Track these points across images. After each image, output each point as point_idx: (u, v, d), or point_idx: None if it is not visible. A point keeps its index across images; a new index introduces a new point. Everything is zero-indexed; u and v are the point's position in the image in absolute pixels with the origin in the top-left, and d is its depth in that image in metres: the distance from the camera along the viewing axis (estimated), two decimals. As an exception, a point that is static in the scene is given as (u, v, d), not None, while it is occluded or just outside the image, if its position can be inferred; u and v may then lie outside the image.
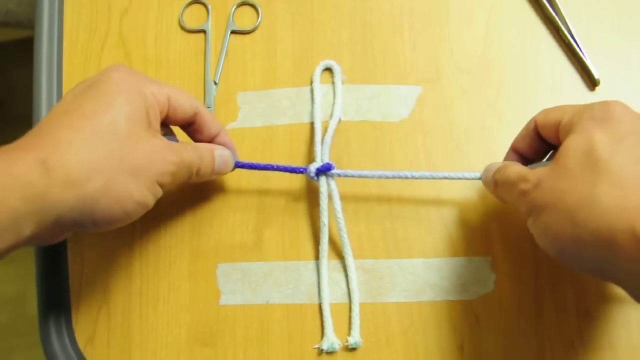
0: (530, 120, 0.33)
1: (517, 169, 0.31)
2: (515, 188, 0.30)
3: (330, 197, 0.38)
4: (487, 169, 0.35)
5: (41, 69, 0.44)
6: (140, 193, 0.30)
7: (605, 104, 0.28)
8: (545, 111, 0.32)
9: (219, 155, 0.36)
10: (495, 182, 0.33)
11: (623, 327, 0.36)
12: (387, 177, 0.37)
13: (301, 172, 0.38)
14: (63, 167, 0.27)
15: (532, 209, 0.28)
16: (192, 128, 0.37)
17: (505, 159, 0.36)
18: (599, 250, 0.25)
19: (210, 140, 0.37)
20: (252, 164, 0.38)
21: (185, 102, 0.34)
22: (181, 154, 0.32)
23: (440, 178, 0.37)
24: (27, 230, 0.26)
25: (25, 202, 0.26)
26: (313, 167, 0.38)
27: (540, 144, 0.33)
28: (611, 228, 0.24)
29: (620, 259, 0.24)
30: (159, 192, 0.32)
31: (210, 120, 0.37)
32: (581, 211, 0.25)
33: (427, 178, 0.37)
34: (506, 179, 0.31)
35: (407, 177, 0.37)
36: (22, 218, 0.26)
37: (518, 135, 0.35)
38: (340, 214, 0.38)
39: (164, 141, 0.32)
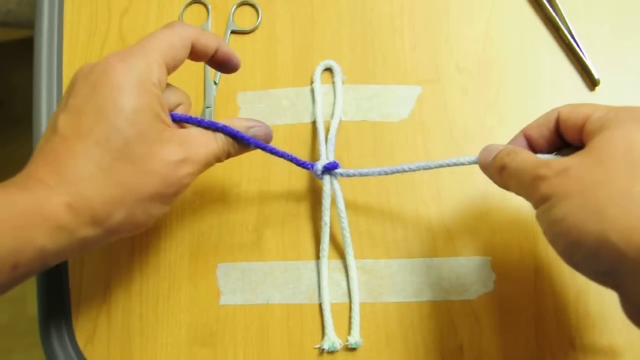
0: (552, 111, 0.32)
1: (531, 154, 0.30)
2: (529, 173, 0.28)
3: (332, 196, 0.38)
4: (486, 150, 0.33)
5: (41, 69, 0.44)
6: (160, 211, 0.31)
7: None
8: (572, 105, 0.31)
9: (253, 135, 0.34)
10: (502, 166, 0.31)
11: (623, 327, 0.36)
12: (386, 173, 0.36)
13: (308, 168, 0.38)
14: (88, 208, 0.27)
15: (550, 196, 0.26)
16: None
17: (512, 143, 0.34)
18: (622, 252, 0.23)
19: (211, 56, 0.35)
20: (267, 146, 0.35)
21: (210, 45, 0.34)
22: (197, 158, 0.31)
23: (436, 167, 0.35)
24: (53, 262, 0.28)
25: (53, 242, 0.26)
26: (320, 165, 0.38)
27: (554, 137, 0.32)
28: None
29: None
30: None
31: (207, 41, 0.34)
32: (613, 208, 0.24)
33: (424, 169, 0.35)
34: (520, 163, 0.29)
35: (404, 171, 0.36)
36: (49, 255, 0.27)
37: (534, 122, 0.33)
38: (343, 213, 0.38)
39: (177, 149, 0.30)
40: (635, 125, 0.26)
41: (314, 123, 0.42)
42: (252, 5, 0.45)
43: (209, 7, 0.46)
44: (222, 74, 0.43)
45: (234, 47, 0.44)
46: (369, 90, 0.43)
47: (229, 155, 0.34)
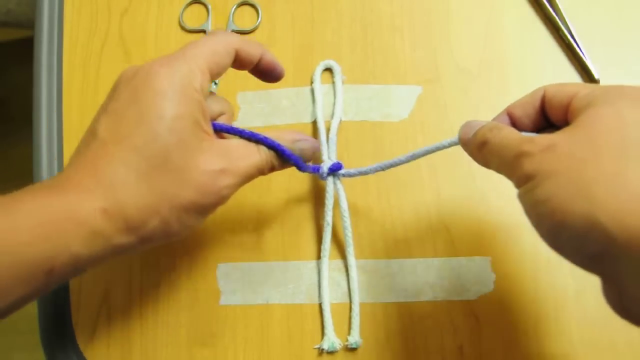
0: (539, 89, 0.30)
1: (515, 130, 0.28)
2: (512, 149, 0.27)
3: (335, 196, 0.38)
4: (467, 126, 0.31)
5: (41, 69, 0.44)
6: (196, 222, 0.30)
7: (637, 87, 0.26)
8: (558, 84, 0.30)
9: (299, 149, 0.33)
10: (484, 142, 0.29)
11: (623, 327, 0.36)
12: (382, 169, 0.35)
13: (315, 172, 0.37)
14: (122, 214, 0.27)
15: (534, 174, 0.25)
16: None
17: (495, 120, 0.32)
18: (612, 236, 0.22)
19: (255, 64, 0.34)
20: (295, 159, 0.33)
21: (253, 52, 0.33)
22: (237, 170, 0.30)
23: (423, 154, 0.34)
24: (86, 268, 0.27)
25: (87, 248, 0.26)
26: (325, 167, 0.37)
27: (539, 117, 0.31)
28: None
29: (636, 251, 0.21)
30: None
31: (251, 49, 0.33)
32: (603, 187, 0.22)
33: (412, 159, 0.34)
34: (502, 139, 0.28)
35: (397, 164, 0.35)
36: (83, 261, 0.26)
37: (518, 100, 0.31)
38: (346, 213, 0.38)
39: (216, 159, 0.30)
40: (626, 103, 0.25)
41: (314, 123, 0.42)
42: (252, 5, 0.45)
43: (209, 7, 0.46)
44: (222, 77, 0.43)
45: (234, 47, 0.45)
46: (369, 90, 0.43)
47: (273, 169, 0.33)
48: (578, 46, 0.42)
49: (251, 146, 0.31)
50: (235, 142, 0.31)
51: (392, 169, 0.36)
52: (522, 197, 0.26)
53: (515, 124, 0.31)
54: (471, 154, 0.31)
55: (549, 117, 0.30)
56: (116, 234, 0.27)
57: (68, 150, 0.42)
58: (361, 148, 0.41)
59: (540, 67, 0.43)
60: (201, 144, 0.29)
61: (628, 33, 0.43)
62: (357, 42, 0.44)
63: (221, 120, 0.33)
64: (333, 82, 0.43)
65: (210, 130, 0.31)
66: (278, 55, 0.44)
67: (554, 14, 0.43)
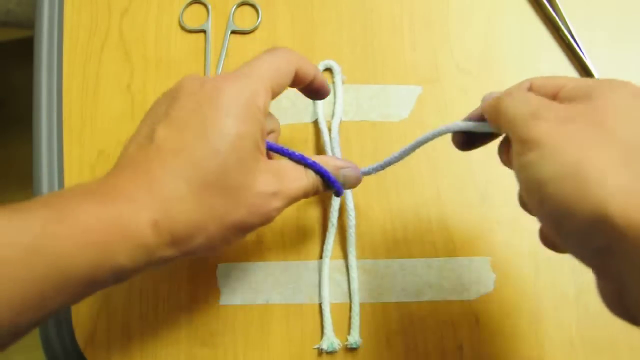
0: (525, 81, 0.29)
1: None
2: (529, 106, 0.25)
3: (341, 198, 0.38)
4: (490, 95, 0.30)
5: (41, 69, 0.44)
6: (238, 239, 0.30)
7: (628, 82, 0.26)
8: (544, 76, 0.29)
9: (343, 176, 0.33)
10: (508, 92, 0.28)
11: (623, 327, 0.36)
12: (382, 168, 0.35)
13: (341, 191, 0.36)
14: (171, 228, 0.26)
15: (544, 142, 0.23)
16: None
17: (475, 111, 0.32)
18: (621, 230, 0.20)
19: (308, 83, 0.34)
20: (326, 172, 0.33)
21: (310, 72, 0.33)
22: (287, 193, 0.30)
23: (425, 141, 0.33)
24: (126, 278, 0.26)
25: (131, 260, 0.25)
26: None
27: None
28: None
29: None
30: None
31: (308, 69, 0.33)
32: (615, 177, 0.21)
33: (416, 147, 0.33)
34: (524, 94, 0.27)
35: (402, 156, 0.34)
36: (124, 272, 0.26)
37: (504, 91, 0.29)
38: (353, 213, 0.38)
39: (271, 180, 0.29)
40: (627, 94, 0.25)
41: (314, 123, 0.42)
42: (252, 5, 0.45)
43: (209, 7, 0.46)
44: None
45: (234, 47, 0.45)
46: (369, 90, 0.43)
47: (316, 193, 0.32)
48: (578, 46, 0.42)
49: (300, 169, 0.31)
50: (285, 163, 0.31)
51: (392, 168, 0.36)
52: (525, 168, 0.24)
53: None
54: (487, 107, 0.29)
55: None
56: (161, 247, 0.26)
57: (68, 150, 0.42)
58: (361, 148, 0.41)
59: (540, 67, 0.43)
60: (257, 165, 0.29)
61: (628, 33, 0.43)
62: (357, 42, 0.44)
63: (271, 138, 0.33)
64: (333, 82, 0.43)
65: (265, 149, 0.30)
66: (278, 55, 0.44)
67: (554, 14, 0.43)
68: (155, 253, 0.26)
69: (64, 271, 0.23)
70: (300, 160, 0.31)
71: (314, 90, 0.34)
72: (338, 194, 0.34)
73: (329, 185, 0.32)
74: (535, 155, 0.23)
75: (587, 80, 0.26)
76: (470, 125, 0.31)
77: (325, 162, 0.32)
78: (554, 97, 0.27)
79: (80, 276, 0.24)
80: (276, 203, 0.29)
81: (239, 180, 0.28)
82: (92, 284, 0.25)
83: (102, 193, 0.26)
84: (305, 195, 0.31)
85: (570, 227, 0.22)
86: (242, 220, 0.28)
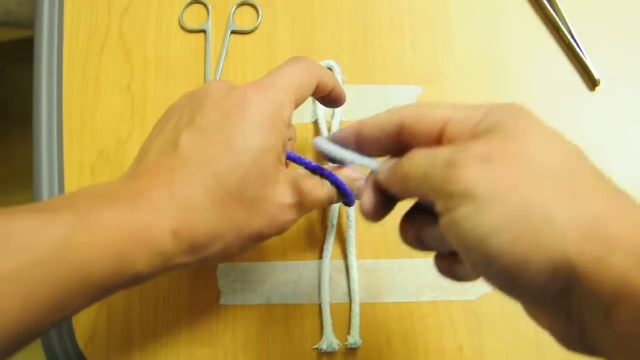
0: (392, 113, 0.27)
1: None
2: (441, 159, 0.22)
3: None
4: (382, 168, 0.28)
5: (41, 69, 0.44)
6: (253, 247, 0.30)
7: (527, 108, 0.24)
8: (415, 108, 0.26)
9: (357, 188, 0.32)
10: (404, 172, 0.25)
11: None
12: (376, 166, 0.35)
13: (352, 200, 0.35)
14: (190, 237, 0.26)
15: (473, 193, 0.20)
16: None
17: (338, 133, 0.30)
18: (579, 271, 0.19)
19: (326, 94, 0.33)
20: (342, 184, 0.31)
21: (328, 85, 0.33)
22: (305, 203, 0.30)
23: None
24: (140, 283, 0.27)
25: (149, 266, 0.26)
26: None
27: (389, 142, 0.28)
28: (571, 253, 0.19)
29: (609, 285, 0.18)
30: None
31: (328, 81, 0.33)
32: (562, 212, 0.19)
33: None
34: (426, 153, 0.24)
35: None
36: (141, 278, 0.26)
37: (370, 120, 0.28)
38: (353, 213, 0.38)
39: (290, 191, 0.29)
40: (530, 118, 0.23)
41: (314, 123, 0.42)
42: (252, 5, 0.45)
43: (209, 7, 0.46)
44: (222, 74, 0.43)
45: (233, 47, 0.45)
46: (369, 90, 0.43)
47: (330, 203, 0.32)
48: (578, 46, 0.42)
49: (316, 179, 0.31)
50: (303, 173, 0.31)
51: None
52: (457, 226, 0.21)
53: (361, 144, 0.29)
54: (389, 179, 0.27)
55: (407, 143, 0.27)
56: (179, 255, 0.26)
57: (68, 150, 0.42)
58: (361, 148, 0.41)
59: (541, 67, 0.43)
60: (277, 176, 0.29)
61: (628, 33, 0.43)
62: (357, 42, 0.44)
63: (288, 146, 0.33)
64: (333, 82, 0.43)
65: (284, 159, 0.30)
66: (278, 55, 0.44)
67: (554, 14, 0.43)
68: (173, 260, 0.26)
69: (85, 277, 0.23)
70: (317, 171, 0.31)
71: (330, 100, 0.35)
72: (350, 204, 0.33)
73: (343, 196, 0.32)
74: (469, 208, 0.20)
75: (475, 107, 0.24)
76: (354, 158, 0.30)
77: (339, 173, 0.32)
78: (439, 132, 0.25)
79: (100, 282, 0.24)
80: (293, 214, 0.30)
81: (259, 192, 0.28)
82: (110, 288, 0.25)
83: (125, 198, 0.26)
84: (321, 206, 0.31)
85: (527, 279, 0.20)
86: (260, 230, 0.28)
